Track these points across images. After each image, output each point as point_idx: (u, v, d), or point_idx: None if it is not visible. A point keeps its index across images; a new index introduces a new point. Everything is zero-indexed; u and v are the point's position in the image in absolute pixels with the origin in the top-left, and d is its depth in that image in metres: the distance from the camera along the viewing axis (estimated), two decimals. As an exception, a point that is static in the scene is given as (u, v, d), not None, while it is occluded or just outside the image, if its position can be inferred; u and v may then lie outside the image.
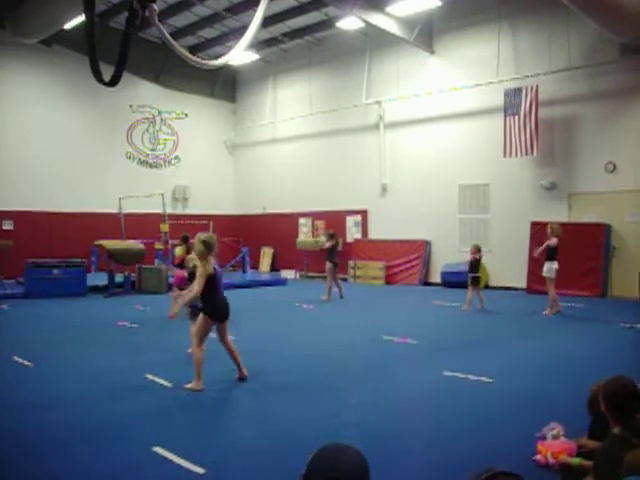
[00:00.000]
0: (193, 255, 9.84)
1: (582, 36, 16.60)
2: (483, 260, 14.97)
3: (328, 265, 16.38)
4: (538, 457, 4.96)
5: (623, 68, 15.95)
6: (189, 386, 7.41)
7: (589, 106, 16.81)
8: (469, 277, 14.38)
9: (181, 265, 12.66)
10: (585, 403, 4.56)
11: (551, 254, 13.27)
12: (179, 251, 13.46)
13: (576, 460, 4.28)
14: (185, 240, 13.71)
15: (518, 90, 17.30)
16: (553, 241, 13.18)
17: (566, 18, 16.48)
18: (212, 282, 7.48)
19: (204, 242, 7.50)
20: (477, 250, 14.46)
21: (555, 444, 5.00)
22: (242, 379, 7.76)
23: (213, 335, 7.81)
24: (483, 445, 5.40)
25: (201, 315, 7.63)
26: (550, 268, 13.24)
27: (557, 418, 5.44)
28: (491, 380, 7.63)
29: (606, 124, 16.51)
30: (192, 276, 9.57)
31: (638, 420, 3.53)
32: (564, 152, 17.30)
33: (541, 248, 13.50)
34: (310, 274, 23.31)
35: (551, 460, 4.80)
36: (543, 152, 17.25)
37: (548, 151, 17.38)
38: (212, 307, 7.56)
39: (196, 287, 7.45)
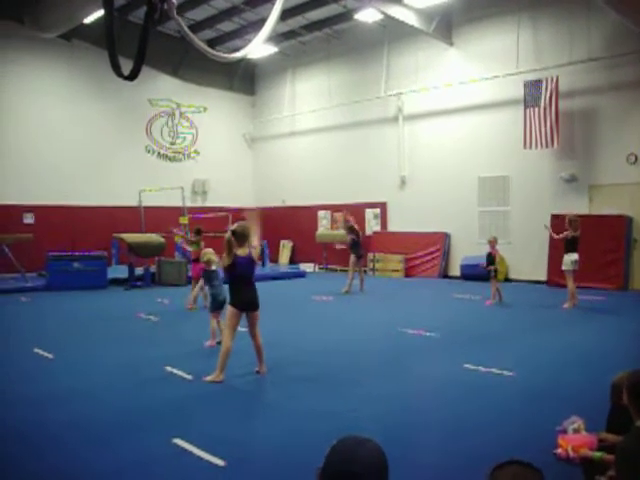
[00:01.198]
0: (209, 250, 9.91)
1: (602, 27, 16.43)
2: (502, 253, 14.86)
3: (352, 258, 16.41)
4: (559, 451, 4.94)
5: (644, 59, 15.78)
6: (209, 378, 7.46)
7: (609, 97, 16.64)
8: (490, 270, 14.23)
9: (197, 260, 12.76)
10: (606, 396, 4.54)
11: (570, 246, 13.13)
12: (194, 246, 13.59)
13: (597, 454, 4.26)
14: (198, 233, 13.82)
15: (538, 82, 17.16)
16: (575, 233, 13.04)
17: (586, 9, 16.33)
18: (233, 272, 7.52)
19: (233, 232, 7.54)
20: (495, 242, 14.38)
21: (576, 438, 4.98)
22: (260, 373, 7.81)
23: (244, 329, 7.87)
24: (502, 438, 5.40)
25: (228, 307, 7.70)
26: (568, 261, 13.13)
27: (577, 412, 5.42)
28: (511, 373, 7.61)
29: (627, 115, 16.34)
30: (209, 270, 9.66)
31: None
32: (584, 144, 17.15)
33: (561, 235, 13.33)
34: (330, 267, 23.28)
35: (572, 454, 4.78)
36: (563, 144, 17.11)
37: (568, 143, 17.24)
38: (233, 296, 7.61)
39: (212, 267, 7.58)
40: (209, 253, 9.75)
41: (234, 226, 7.76)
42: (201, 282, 12.55)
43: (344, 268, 17.78)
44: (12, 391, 7.22)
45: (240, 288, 7.58)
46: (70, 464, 5.02)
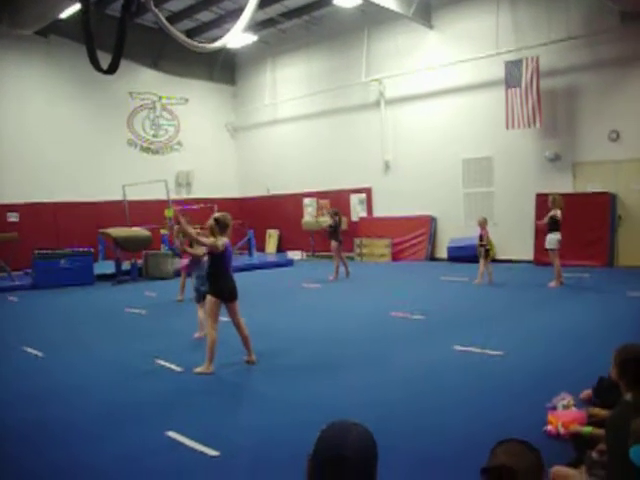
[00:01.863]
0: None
1: (581, 5, 16.46)
2: (489, 233, 14.90)
3: (333, 244, 16.42)
4: (549, 428, 4.99)
5: (623, 36, 15.79)
6: (199, 370, 7.47)
7: (590, 75, 16.69)
8: (481, 250, 14.25)
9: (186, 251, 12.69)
10: (595, 372, 4.59)
11: (553, 226, 13.16)
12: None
13: (587, 429, 4.31)
14: None
15: (518, 62, 17.17)
16: (557, 213, 13.11)
17: (565, -13, 16.37)
18: (219, 261, 7.55)
19: (216, 219, 7.57)
20: (485, 222, 14.41)
21: (565, 414, 5.03)
22: (250, 363, 7.83)
23: (225, 319, 7.87)
24: (494, 420, 5.44)
25: (208, 296, 7.69)
26: (552, 239, 13.18)
27: (566, 388, 5.48)
28: (501, 353, 7.66)
29: (608, 93, 16.41)
30: (197, 260, 9.64)
31: None
32: (567, 122, 17.21)
33: (545, 220, 13.43)
34: (317, 254, 23.30)
35: (562, 430, 4.83)
36: (546, 123, 17.16)
37: (551, 122, 17.30)
38: (215, 286, 7.62)
39: (202, 240, 7.64)
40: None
41: (217, 214, 7.77)
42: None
43: (329, 254, 17.75)
44: (2, 389, 7.20)
45: (222, 276, 7.60)
46: (64, 459, 5.03)
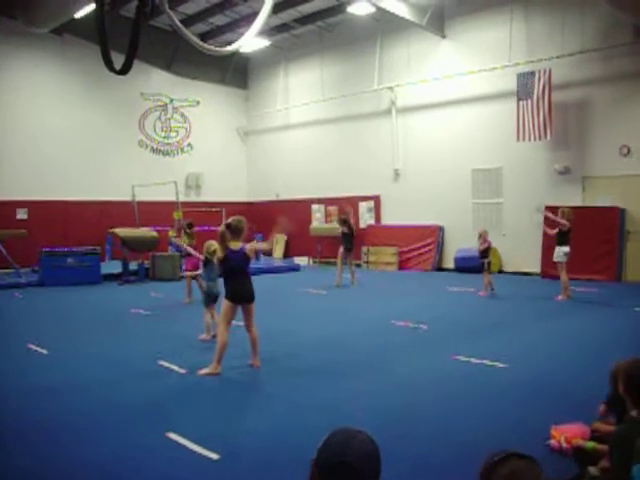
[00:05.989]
0: (214, 241, 9.83)
1: (596, 18, 16.43)
2: (496, 245, 14.88)
3: (340, 249, 16.47)
4: (552, 442, 4.95)
5: (637, 50, 15.75)
6: (205, 371, 7.47)
7: (603, 89, 16.66)
8: (484, 262, 14.22)
9: (189, 254, 12.71)
10: (600, 387, 4.55)
11: (562, 239, 13.15)
12: (185, 239, 13.55)
13: (590, 444, 4.27)
14: (189, 227, 13.84)
15: (531, 74, 17.15)
16: (565, 225, 13.07)
17: (579, 0, 16.32)
18: (227, 265, 7.57)
19: (227, 225, 7.59)
20: (487, 234, 14.37)
21: (569, 428, 4.99)
22: (254, 366, 7.82)
23: (237, 323, 7.89)
24: (495, 430, 5.40)
25: (224, 299, 7.73)
26: (560, 253, 13.15)
27: (571, 403, 5.45)
28: (504, 365, 7.63)
29: (620, 107, 16.37)
30: (206, 262, 9.61)
31: None
32: (578, 136, 17.18)
33: (554, 231, 13.38)
34: (324, 260, 23.26)
35: (564, 445, 4.79)
36: (557, 136, 17.13)
37: (562, 135, 17.26)
38: (228, 289, 7.64)
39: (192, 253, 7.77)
40: (215, 244, 9.65)
41: (229, 219, 7.77)
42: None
43: (336, 260, 17.72)
44: (5, 385, 7.21)
45: (234, 281, 7.60)
46: (64, 458, 5.01)
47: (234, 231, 7.56)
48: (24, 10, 17.75)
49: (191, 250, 12.43)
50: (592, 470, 3.90)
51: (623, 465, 3.08)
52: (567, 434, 4.86)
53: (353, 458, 1.96)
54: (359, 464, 1.96)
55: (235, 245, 7.54)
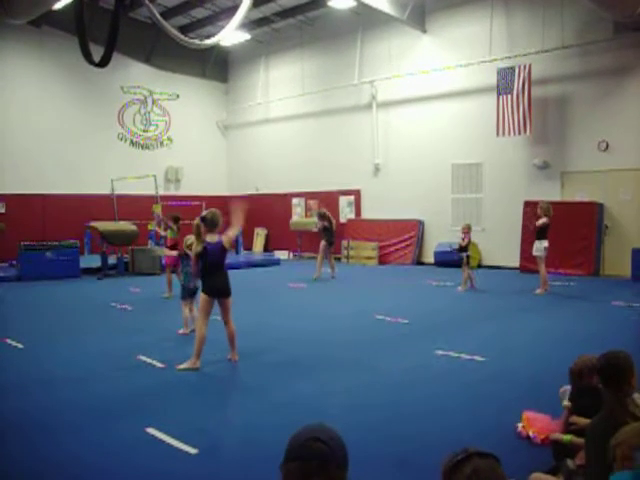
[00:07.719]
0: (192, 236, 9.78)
1: (575, 15, 16.52)
2: (476, 239, 14.94)
3: (322, 243, 16.54)
4: (520, 428, 5.05)
5: (616, 46, 15.88)
6: (184, 366, 7.43)
7: (582, 85, 16.77)
8: (463, 256, 14.27)
9: (174, 247, 12.67)
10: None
11: (541, 233, 13.24)
12: (170, 233, 13.44)
13: (567, 437, 4.31)
14: (176, 220, 13.66)
15: (511, 69, 17.22)
16: (544, 220, 13.15)
17: (559, -4, 16.44)
18: (203, 259, 7.51)
19: (203, 218, 7.55)
20: (469, 230, 14.43)
21: (540, 420, 5.07)
22: (232, 361, 7.81)
23: (215, 317, 7.86)
24: (473, 422, 5.44)
25: (201, 293, 7.71)
26: (539, 247, 13.23)
27: (546, 395, 5.47)
28: (483, 359, 7.67)
29: (599, 103, 16.48)
30: (186, 256, 9.57)
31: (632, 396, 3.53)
32: (557, 131, 17.28)
33: (539, 223, 13.37)
34: (304, 254, 23.28)
35: (532, 435, 4.90)
36: (536, 131, 17.22)
37: (541, 130, 17.36)
38: (205, 283, 7.63)
39: (193, 267, 7.86)
40: (192, 238, 9.62)
41: (204, 212, 7.74)
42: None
43: (316, 255, 17.73)
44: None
45: (210, 275, 7.57)
46: (32, 456, 4.95)
47: (209, 224, 7.53)
48: (0, 0, 17.55)
49: (167, 251, 12.54)
50: (569, 463, 3.94)
51: (598, 459, 3.11)
52: (535, 427, 4.95)
53: (325, 437, 1.95)
54: (331, 443, 1.95)
55: (212, 238, 7.51)
